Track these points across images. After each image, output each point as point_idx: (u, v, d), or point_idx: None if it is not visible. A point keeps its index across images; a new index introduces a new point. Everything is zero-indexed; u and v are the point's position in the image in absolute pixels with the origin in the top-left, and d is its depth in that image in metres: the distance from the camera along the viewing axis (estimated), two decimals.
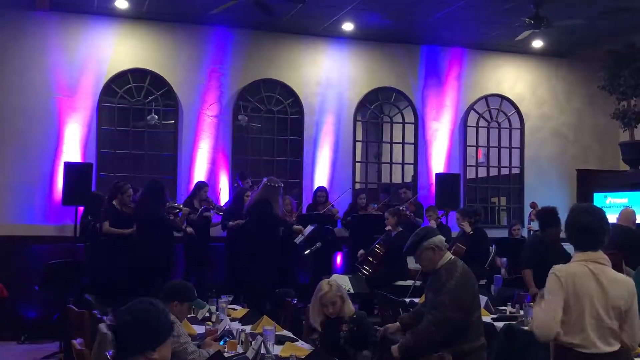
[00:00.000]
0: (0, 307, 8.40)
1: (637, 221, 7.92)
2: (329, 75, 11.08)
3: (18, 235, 9.29)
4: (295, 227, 9.34)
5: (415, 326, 4.87)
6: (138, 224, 8.21)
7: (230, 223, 9.19)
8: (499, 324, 5.65)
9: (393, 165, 11.61)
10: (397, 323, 5.19)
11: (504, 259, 9.81)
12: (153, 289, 6.67)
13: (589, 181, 11.86)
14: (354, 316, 5.01)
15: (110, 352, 4.38)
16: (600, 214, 3.79)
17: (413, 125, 11.50)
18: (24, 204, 9.48)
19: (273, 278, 8.31)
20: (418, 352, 4.62)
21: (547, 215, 7.03)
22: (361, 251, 9.14)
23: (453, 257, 4.88)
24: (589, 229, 3.71)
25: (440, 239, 4.83)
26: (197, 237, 9.24)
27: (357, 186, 11.26)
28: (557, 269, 3.72)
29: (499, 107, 11.97)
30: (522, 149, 11.96)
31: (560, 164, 12.13)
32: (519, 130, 11.99)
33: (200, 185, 9.59)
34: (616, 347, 3.64)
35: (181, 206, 8.95)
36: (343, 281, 7.93)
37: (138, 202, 8.45)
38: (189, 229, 9.09)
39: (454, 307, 4.58)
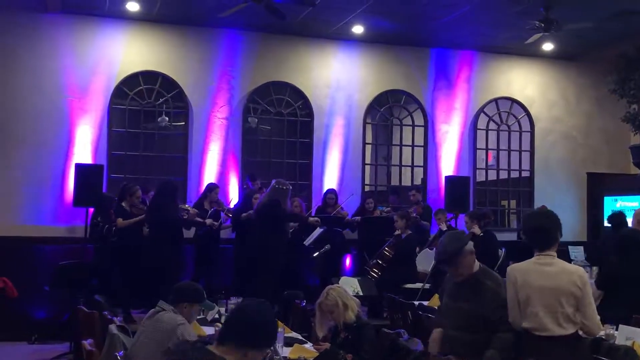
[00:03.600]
0: (11, 308, 8.46)
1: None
2: (338, 78, 11.09)
3: (29, 236, 9.34)
4: (311, 219, 9.34)
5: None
6: (150, 224, 8.24)
7: (243, 215, 9.14)
8: None
9: (402, 167, 11.61)
10: (439, 330, 4.69)
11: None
12: (163, 290, 6.70)
13: (599, 184, 11.82)
14: (354, 324, 4.99)
15: (121, 353, 4.41)
16: (548, 217, 4.33)
17: (423, 128, 11.50)
18: (34, 204, 9.54)
19: (281, 280, 8.33)
20: None
21: (617, 217, 7.83)
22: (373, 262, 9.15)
23: (481, 264, 4.59)
24: (537, 230, 4.28)
25: (472, 246, 4.53)
26: (206, 238, 9.27)
27: (367, 188, 11.26)
28: (510, 266, 4.37)
29: (509, 110, 11.95)
30: (532, 151, 11.93)
31: (570, 167, 12.09)
32: (529, 133, 11.97)
33: (211, 187, 9.61)
34: (571, 330, 4.06)
35: (189, 207, 8.98)
36: (352, 284, 7.95)
37: (151, 203, 8.49)
38: (208, 220, 9.05)
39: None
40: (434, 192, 11.29)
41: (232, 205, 9.99)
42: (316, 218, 9.32)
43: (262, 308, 2.93)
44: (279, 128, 10.98)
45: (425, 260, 9.19)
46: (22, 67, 9.64)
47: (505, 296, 4.38)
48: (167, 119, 10.41)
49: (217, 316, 6.00)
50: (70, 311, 7.86)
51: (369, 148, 11.41)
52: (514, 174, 12.02)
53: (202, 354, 2.79)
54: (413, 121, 11.53)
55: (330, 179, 10.88)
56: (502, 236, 9.61)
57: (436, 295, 7.35)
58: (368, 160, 11.37)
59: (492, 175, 12.02)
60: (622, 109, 10.90)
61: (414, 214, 9.90)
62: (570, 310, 4.05)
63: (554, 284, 4.09)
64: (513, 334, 4.32)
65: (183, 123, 10.49)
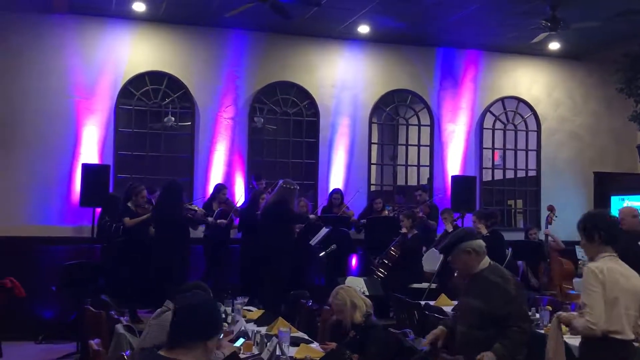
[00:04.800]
0: (18, 308, 8.48)
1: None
2: (344, 78, 11.09)
3: (36, 236, 9.37)
4: (312, 216, 9.40)
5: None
6: (156, 223, 8.26)
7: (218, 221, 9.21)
8: None
9: (409, 167, 11.59)
10: (442, 328, 4.75)
11: (520, 262, 9.80)
12: (169, 290, 6.71)
13: (606, 184, 11.78)
14: (362, 325, 5.00)
15: (128, 353, 4.42)
16: (613, 215, 4.47)
17: (429, 128, 11.48)
18: (41, 205, 9.56)
19: (288, 279, 8.33)
20: None
21: None
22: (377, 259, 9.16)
23: (493, 262, 4.61)
24: (614, 227, 4.21)
25: (479, 243, 4.56)
26: (216, 238, 9.29)
27: (373, 188, 11.26)
28: (593, 264, 4.07)
29: (515, 109, 11.92)
30: (538, 151, 11.91)
31: (577, 167, 12.05)
32: (535, 133, 11.94)
33: (219, 187, 9.64)
34: (633, 335, 4.02)
35: (196, 207, 9.01)
36: (358, 283, 7.94)
37: (156, 203, 8.52)
38: (220, 221, 9.13)
39: (528, 309, 4.49)
40: (440, 191, 11.27)
41: (238, 205, 10.01)
42: (314, 216, 9.37)
43: (200, 299, 3.04)
44: (285, 128, 10.98)
45: (431, 260, 9.19)
46: (28, 68, 9.66)
47: (513, 292, 4.38)
48: (173, 119, 10.44)
49: (223, 316, 6.01)
50: (77, 311, 7.89)
51: (375, 148, 11.40)
52: (521, 174, 12.00)
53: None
54: (419, 121, 11.51)
55: (336, 179, 10.87)
56: (508, 236, 9.57)
57: (443, 295, 7.36)
58: (374, 160, 11.36)
59: (498, 175, 11.99)
60: (629, 108, 10.86)
61: (421, 214, 9.91)
62: (637, 315, 4.03)
63: (633, 286, 4.03)
64: (523, 330, 4.33)
65: (189, 123, 10.51)
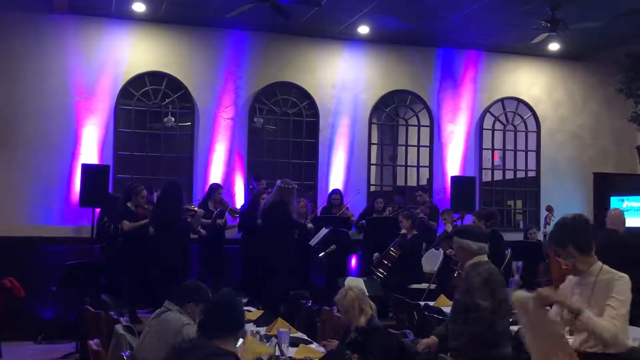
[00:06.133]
0: (18, 308, 8.48)
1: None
2: (344, 78, 11.09)
3: (35, 236, 9.37)
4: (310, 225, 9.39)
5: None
6: (156, 224, 8.26)
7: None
8: (513, 328, 5.63)
9: (408, 168, 11.59)
10: (434, 338, 5.00)
11: (519, 263, 9.80)
12: (169, 290, 6.71)
13: (606, 184, 11.77)
14: (365, 327, 5.02)
15: (127, 353, 4.43)
16: None
17: (428, 128, 11.49)
18: (41, 205, 9.56)
19: (288, 280, 8.34)
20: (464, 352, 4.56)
21: None
22: (376, 254, 9.16)
23: (485, 259, 4.81)
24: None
25: (467, 243, 4.82)
26: (212, 238, 9.29)
27: (372, 189, 11.26)
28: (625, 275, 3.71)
29: (515, 110, 11.92)
30: (538, 151, 11.91)
31: (577, 167, 12.05)
32: (535, 133, 11.94)
33: (215, 187, 9.63)
34: None
35: (196, 208, 9.01)
36: (357, 284, 7.94)
37: (156, 203, 8.52)
38: (203, 231, 9.16)
39: (485, 298, 4.59)
40: (439, 192, 11.27)
41: (238, 206, 10.01)
42: (311, 225, 9.32)
43: (228, 295, 3.27)
44: (285, 128, 10.99)
45: (431, 261, 9.20)
46: (28, 68, 9.66)
47: (476, 284, 4.58)
48: (173, 119, 10.44)
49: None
50: (77, 311, 7.89)
51: (374, 148, 11.41)
52: (520, 174, 12.00)
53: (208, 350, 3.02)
54: (419, 121, 11.52)
55: (336, 180, 10.88)
56: (507, 236, 9.59)
57: (442, 296, 7.36)
58: (374, 160, 11.36)
59: (498, 176, 11.98)
60: (629, 109, 10.87)
61: (421, 214, 9.91)
62: None
63: None
64: (472, 320, 4.53)
65: (189, 123, 10.51)
